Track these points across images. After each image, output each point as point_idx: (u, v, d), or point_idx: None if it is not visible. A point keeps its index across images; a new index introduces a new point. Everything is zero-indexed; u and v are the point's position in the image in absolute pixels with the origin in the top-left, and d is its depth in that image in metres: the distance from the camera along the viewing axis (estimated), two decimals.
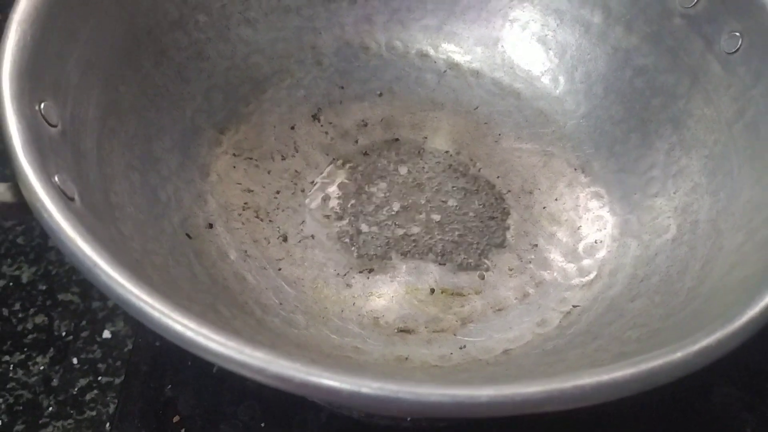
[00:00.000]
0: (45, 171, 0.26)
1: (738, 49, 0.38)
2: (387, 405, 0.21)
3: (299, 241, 0.40)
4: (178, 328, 0.22)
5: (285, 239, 0.40)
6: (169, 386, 0.39)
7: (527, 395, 0.22)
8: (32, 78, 0.29)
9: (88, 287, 0.45)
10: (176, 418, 0.38)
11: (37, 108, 0.29)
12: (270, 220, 0.40)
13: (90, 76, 0.34)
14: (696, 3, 0.40)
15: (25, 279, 0.45)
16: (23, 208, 0.25)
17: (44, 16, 0.31)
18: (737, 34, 0.38)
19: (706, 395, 0.41)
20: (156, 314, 0.23)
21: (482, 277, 0.39)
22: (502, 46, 0.48)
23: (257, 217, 0.40)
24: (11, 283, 0.45)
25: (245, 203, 0.41)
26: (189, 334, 0.22)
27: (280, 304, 0.37)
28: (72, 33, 0.33)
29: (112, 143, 0.34)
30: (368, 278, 0.39)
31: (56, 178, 0.27)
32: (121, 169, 0.34)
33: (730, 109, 0.38)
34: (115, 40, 0.36)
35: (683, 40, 0.41)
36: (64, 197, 0.26)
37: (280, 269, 0.38)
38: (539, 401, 0.22)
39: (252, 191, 0.41)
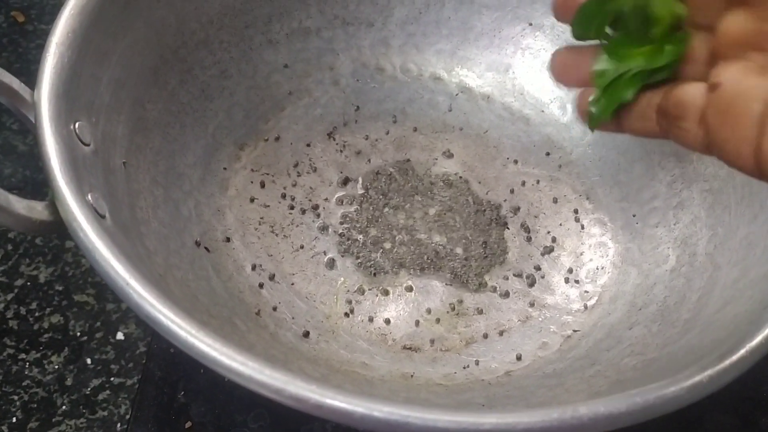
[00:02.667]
0: (80, 190, 0.28)
1: None
2: (397, 429, 0.23)
3: (312, 257, 0.41)
4: (203, 347, 0.24)
5: (298, 255, 0.41)
6: (182, 393, 0.40)
7: (529, 424, 0.23)
8: (68, 99, 0.31)
9: (103, 289, 0.46)
10: (188, 424, 0.39)
11: (72, 127, 0.30)
12: (285, 235, 0.42)
13: (120, 94, 0.35)
14: None
15: (42, 279, 0.46)
16: (59, 226, 0.27)
17: (81, 38, 0.32)
18: None
19: (699, 422, 0.42)
20: (183, 334, 0.24)
21: (486, 299, 0.41)
22: (513, 72, 0.49)
23: (272, 231, 0.42)
24: (29, 283, 0.46)
25: (261, 218, 0.42)
26: (213, 353, 0.24)
27: (293, 318, 0.38)
28: (105, 54, 0.34)
29: (138, 159, 0.36)
30: (377, 296, 0.41)
31: (89, 197, 0.29)
32: (146, 185, 0.36)
33: None
34: (144, 60, 0.38)
35: None
36: (96, 215, 0.28)
37: (293, 284, 0.40)
38: (540, 429, 0.23)
39: (268, 206, 0.43)
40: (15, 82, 0.30)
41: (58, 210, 0.27)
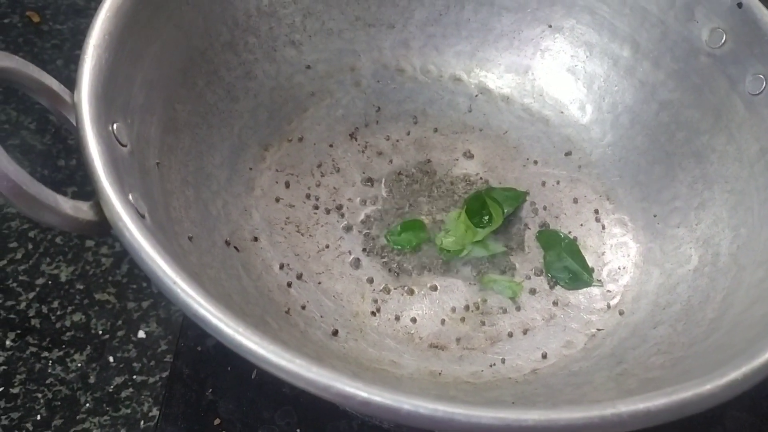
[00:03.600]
0: (122, 191, 0.28)
1: (762, 91, 0.40)
2: (441, 425, 0.23)
3: (338, 256, 0.42)
4: (252, 345, 0.24)
5: (324, 254, 0.42)
6: (210, 390, 0.41)
7: (570, 420, 0.24)
8: (107, 100, 0.31)
9: (123, 288, 0.47)
10: (217, 421, 0.40)
11: (110, 129, 0.31)
12: (310, 235, 0.42)
13: (152, 95, 0.36)
14: (723, 44, 0.42)
15: (63, 278, 0.47)
16: (104, 226, 0.27)
17: (116, 40, 0.33)
18: (761, 76, 0.40)
19: (719, 419, 0.43)
20: (230, 332, 0.25)
21: (511, 298, 0.41)
22: (533, 74, 0.50)
23: (298, 231, 0.42)
24: (50, 282, 0.47)
25: (287, 218, 0.43)
26: (262, 351, 0.24)
27: (321, 317, 0.39)
28: (139, 56, 0.35)
29: (170, 160, 0.36)
30: (402, 294, 0.41)
31: (131, 197, 0.29)
32: (178, 185, 0.36)
33: (752, 148, 0.40)
34: (174, 61, 0.38)
35: (708, 79, 0.43)
36: (138, 215, 0.28)
37: (320, 283, 0.40)
38: (580, 426, 0.24)
39: (293, 206, 0.43)
40: (55, 84, 0.30)
41: (102, 210, 0.27)
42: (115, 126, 0.31)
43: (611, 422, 0.24)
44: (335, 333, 0.38)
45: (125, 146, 0.32)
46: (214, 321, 0.25)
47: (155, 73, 0.36)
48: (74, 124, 0.29)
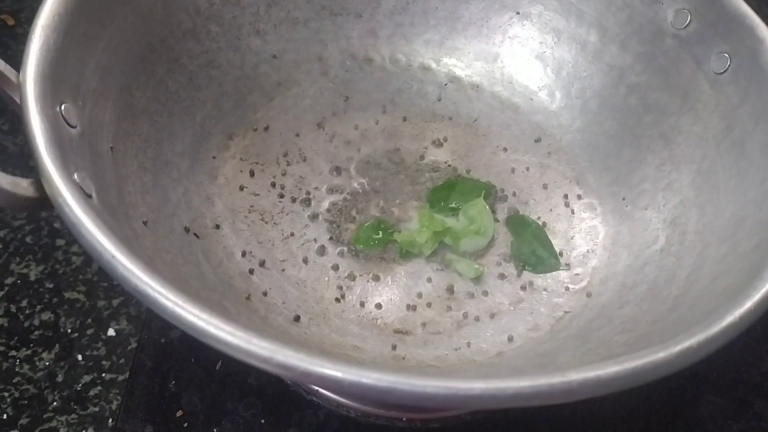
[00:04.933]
0: (66, 169, 0.27)
1: (726, 70, 0.39)
2: (385, 395, 0.23)
3: (302, 244, 0.41)
4: (191, 318, 0.24)
5: (288, 242, 0.41)
6: (173, 382, 0.40)
7: (518, 389, 0.23)
8: (54, 81, 0.31)
9: (94, 286, 0.46)
10: (179, 413, 0.39)
11: (58, 109, 0.30)
12: (275, 223, 0.42)
13: (107, 80, 0.35)
14: (687, 24, 0.42)
15: (32, 277, 0.46)
16: (45, 203, 0.27)
17: (66, 22, 0.32)
18: (726, 55, 0.39)
19: (694, 404, 0.42)
20: (170, 304, 0.24)
21: (477, 283, 0.41)
22: (502, 61, 0.50)
23: (262, 219, 0.42)
24: (19, 281, 0.46)
25: (251, 206, 0.42)
26: (201, 324, 0.24)
27: (283, 303, 0.38)
28: (92, 39, 0.34)
29: (126, 145, 0.36)
30: (368, 281, 0.40)
31: (76, 176, 0.28)
32: (134, 170, 0.36)
33: (718, 127, 0.39)
34: (132, 47, 0.38)
35: (675, 60, 0.43)
36: (83, 194, 0.28)
37: (283, 270, 0.40)
38: (529, 395, 0.23)
39: (258, 195, 0.43)
40: (0, 64, 0.30)
41: (43, 187, 0.27)
42: (63, 107, 0.31)
43: (561, 390, 0.23)
44: (297, 319, 0.37)
45: (74, 127, 0.31)
46: (153, 294, 0.24)
47: (111, 58, 0.36)
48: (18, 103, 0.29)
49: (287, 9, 0.47)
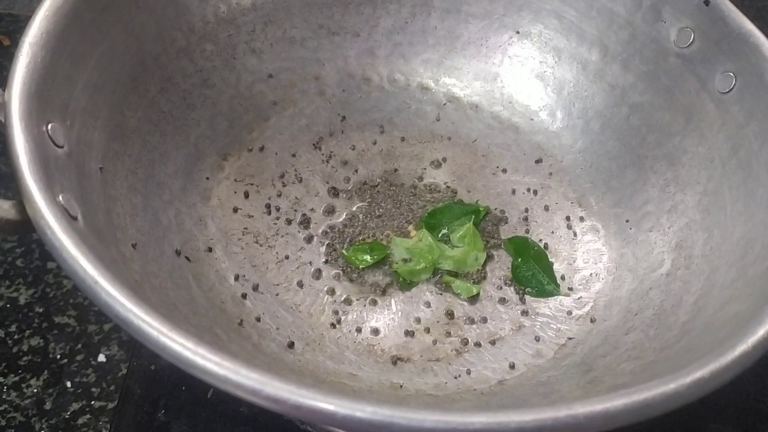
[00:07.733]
0: (50, 190, 0.26)
1: (732, 89, 0.39)
2: (381, 429, 0.22)
3: (297, 267, 0.40)
4: (176, 347, 0.23)
5: (283, 265, 0.40)
6: (163, 411, 0.39)
7: (521, 423, 0.22)
8: (41, 99, 0.30)
9: (85, 311, 0.45)
10: None
11: (44, 128, 0.29)
12: (269, 246, 0.41)
13: (97, 99, 0.34)
14: (691, 43, 0.41)
15: (22, 301, 0.45)
16: (27, 225, 0.26)
17: (55, 39, 0.31)
18: (731, 74, 0.39)
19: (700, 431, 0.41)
20: (154, 333, 0.23)
21: (478, 308, 0.40)
22: (501, 81, 0.49)
23: (257, 242, 0.41)
24: (8, 305, 0.45)
25: (245, 228, 0.41)
26: (186, 353, 0.22)
27: (277, 329, 0.37)
28: (81, 57, 0.33)
29: (116, 166, 0.35)
30: (365, 306, 0.39)
31: (60, 198, 0.27)
32: (124, 192, 0.35)
33: (723, 147, 0.39)
34: (123, 66, 0.37)
35: (678, 79, 0.42)
36: (67, 216, 0.27)
37: (277, 294, 0.39)
38: (532, 429, 0.22)
39: (252, 216, 0.42)
40: None
41: (25, 209, 0.26)
42: (49, 126, 0.30)
43: (566, 424, 0.22)
44: (291, 345, 0.36)
45: (61, 147, 0.30)
46: (137, 322, 0.23)
47: (101, 76, 0.35)
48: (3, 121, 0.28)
49: (284, 28, 0.46)
